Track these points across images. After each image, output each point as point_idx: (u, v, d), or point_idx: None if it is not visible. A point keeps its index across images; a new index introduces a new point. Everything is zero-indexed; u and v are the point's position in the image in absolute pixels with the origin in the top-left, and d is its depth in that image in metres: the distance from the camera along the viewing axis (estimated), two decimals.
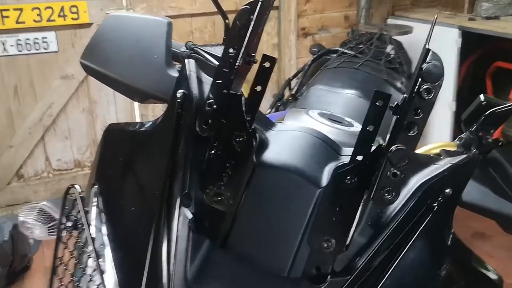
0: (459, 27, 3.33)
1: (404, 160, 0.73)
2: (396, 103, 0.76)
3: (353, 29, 3.58)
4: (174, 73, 1.00)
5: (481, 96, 1.12)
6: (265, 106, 3.21)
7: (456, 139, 1.16)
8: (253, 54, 0.80)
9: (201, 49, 1.08)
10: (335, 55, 2.30)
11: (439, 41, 3.40)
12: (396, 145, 0.73)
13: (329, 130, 1.31)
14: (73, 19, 3.03)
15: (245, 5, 0.76)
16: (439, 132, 3.39)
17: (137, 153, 0.88)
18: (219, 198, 0.78)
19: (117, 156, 0.89)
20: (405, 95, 0.74)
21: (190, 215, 0.78)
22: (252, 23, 0.76)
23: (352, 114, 1.86)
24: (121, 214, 0.87)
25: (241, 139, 0.77)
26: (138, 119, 3.22)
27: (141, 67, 1.04)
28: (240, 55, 0.77)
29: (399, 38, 2.75)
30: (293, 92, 2.15)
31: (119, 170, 0.88)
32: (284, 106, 2.18)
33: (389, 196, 0.74)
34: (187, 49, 1.10)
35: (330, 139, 0.86)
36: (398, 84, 2.14)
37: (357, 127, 1.40)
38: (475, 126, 1.11)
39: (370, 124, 0.76)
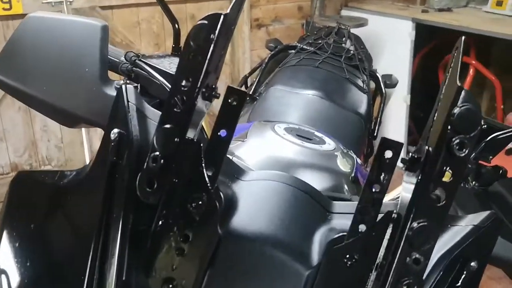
0: (413, 19, 3.15)
1: (429, 241, 0.50)
2: (411, 155, 0.52)
3: (308, 20, 3.34)
4: (112, 91, 0.74)
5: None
6: (218, 103, 2.96)
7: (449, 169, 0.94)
8: (214, 86, 0.54)
9: (145, 62, 0.82)
10: (293, 51, 2.07)
11: (393, 33, 3.24)
12: (418, 221, 0.50)
13: (298, 150, 1.08)
14: (4, 9, 2.62)
15: (201, 20, 0.51)
16: (394, 127, 3.21)
17: (54, 217, 0.61)
18: (171, 285, 0.53)
19: (28, 219, 0.62)
20: (427, 147, 0.50)
21: None
22: (213, 44, 0.51)
23: (314, 117, 1.65)
24: None
25: (200, 202, 0.52)
26: None
27: (68, 83, 0.79)
28: (197, 90, 0.51)
29: (354, 30, 2.56)
30: (251, 91, 1.90)
31: (28, 241, 0.61)
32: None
33: None
34: (127, 61, 0.83)
35: (316, 190, 0.62)
36: (360, 83, 1.95)
37: (329, 144, 1.17)
38: (473, 154, 0.90)
39: (376, 183, 0.52)
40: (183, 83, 0.51)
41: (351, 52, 2.13)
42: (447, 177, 0.51)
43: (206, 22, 0.51)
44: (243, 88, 2.13)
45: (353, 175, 1.12)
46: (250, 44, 3.29)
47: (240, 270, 0.55)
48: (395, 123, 3.23)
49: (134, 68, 0.81)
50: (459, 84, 0.48)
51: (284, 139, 1.09)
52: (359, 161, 1.28)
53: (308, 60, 1.96)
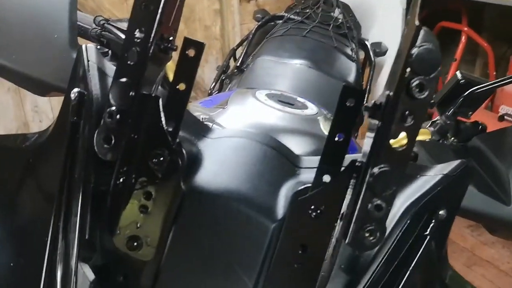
0: None
1: (390, 187, 0.49)
2: (373, 102, 0.51)
3: None
4: None
5: (458, 74, 0.89)
6: (209, 79, 2.95)
7: (429, 125, 0.93)
8: (170, 38, 0.53)
9: (114, 26, 0.80)
10: (280, 21, 2.05)
11: (384, 1, 3.20)
12: (379, 166, 0.48)
13: (280, 116, 1.06)
14: None
15: None
16: None
17: (16, 180, 0.60)
18: (136, 243, 0.53)
19: None
20: (387, 92, 0.49)
21: (91, 275, 0.51)
22: None
23: (302, 87, 1.65)
24: None
25: (162, 158, 0.51)
26: None
27: (37, 50, 0.77)
28: (151, 40, 0.50)
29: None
30: (238, 63, 1.89)
31: None
32: (230, 79, 1.94)
33: (372, 238, 0.50)
34: (96, 25, 0.82)
35: (285, 146, 0.61)
36: (349, 51, 1.93)
37: (312, 109, 1.16)
38: (451, 110, 0.89)
39: (339, 132, 0.51)
40: (137, 34, 0.50)
41: (340, 20, 2.11)
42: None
43: None
44: (231, 61, 2.11)
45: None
46: (240, 18, 3.25)
47: (205, 226, 0.54)
48: None
49: (103, 32, 0.80)
50: (417, 23, 0.46)
51: (265, 105, 1.07)
52: None
53: (296, 29, 1.94)
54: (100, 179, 0.53)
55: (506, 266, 2.43)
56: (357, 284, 0.54)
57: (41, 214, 0.55)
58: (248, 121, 1.02)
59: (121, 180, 0.52)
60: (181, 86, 0.52)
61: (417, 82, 0.46)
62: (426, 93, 0.46)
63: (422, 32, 0.46)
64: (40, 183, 0.58)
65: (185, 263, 0.55)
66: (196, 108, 1.12)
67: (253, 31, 2.05)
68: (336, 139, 0.51)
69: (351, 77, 1.82)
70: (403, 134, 0.50)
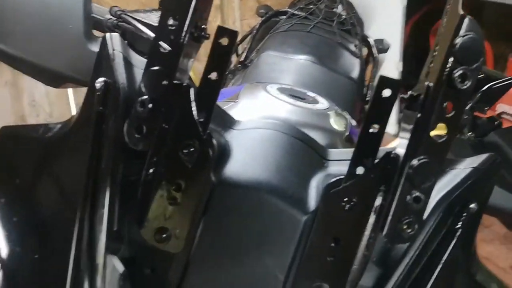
0: None
1: (430, 179, 0.48)
2: (410, 93, 0.50)
3: None
4: (97, 48, 0.72)
5: None
6: None
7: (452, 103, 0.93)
8: (203, 27, 0.52)
9: (131, 17, 0.79)
10: (284, 17, 2.04)
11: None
12: (418, 158, 0.48)
13: (292, 110, 1.06)
14: None
15: None
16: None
17: (40, 172, 0.59)
18: (164, 235, 0.51)
19: (12, 174, 0.59)
20: (427, 83, 0.48)
21: (121, 267, 0.50)
22: None
23: (307, 82, 1.64)
24: (21, 263, 0.58)
25: (192, 149, 0.50)
26: (72, 93, 2.82)
27: (52, 41, 0.76)
28: (185, 29, 0.49)
29: None
30: (242, 58, 1.87)
31: (14, 197, 0.58)
32: (233, 75, 1.92)
33: (410, 231, 0.49)
34: (112, 16, 0.81)
35: (311, 138, 0.60)
36: (352, 47, 1.92)
37: (322, 103, 1.15)
38: (469, 104, 0.88)
39: (374, 123, 0.50)
40: (170, 21, 0.49)
41: (343, 16, 2.10)
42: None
43: None
44: (233, 57, 2.10)
45: (347, 134, 1.10)
46: (240, 14, 3.24)
47: (235, 218, 0.53)
48: None
49: (119, 23, 0.78)
50: (461, 12, 0.45)
51: (277, 99, 1.06)
52: (353, 122, 1.26)
53: (300, 25, 1.93)
54: (129, 170, 0.52)
55: (504, 263, 2.43)
56: (389, 277, 0.54)
57: (67, 205, 0.54)
58: (261, 114, 1.01)
59: (150, 170, 0.51)
60: (213, 76, 0.51)
61: (460, 72, 0.45)
62: (469, 83, 0.46)
63: (466, 21, 0.45)
64: (65, 174, 0.57)
65: (214, 256, 0.54)
66: None
67: (257, 27, 2.04)
68: (371, 130, 0.50)
69: (355, 73, 1.81)
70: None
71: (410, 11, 3.20)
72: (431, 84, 0.47)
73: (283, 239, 0.53)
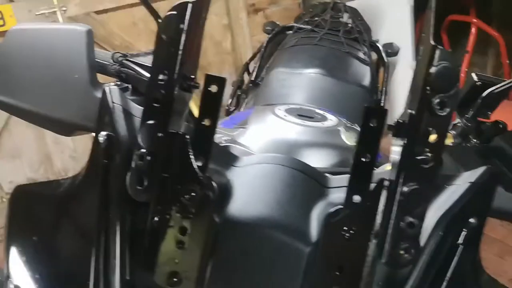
0: None
1: (421, 204, 0.49)
2: (396, 121, 0.52)
3: None
4: None
5: (474, 76, 0.89)
6: (225, 95, 2.95)
7: (450, 128, 0.93)
8: (191, 77, 0.54)
9: (131, 61, 0.82)
10: (291, 31, 2.06)
11: (391, 1, 3.19)
12: (409, 184, 0.49)
13: (301, 130, 1.07)
14: None
15: (169, 11, 0.50)
16: (404, 96, 3.17)
17: (56, 227, 0.62)
18: (176, 279, 0.54)
19: (30, 232, 0.63)
20: (409, 111, 0.49)
21: None
22: (184, 34, 0.50)
23: (319, 96, 1.64)
24: None
25: (193, 194, 0.52)
26: None
27: (59, 92, 0.78)
28: (174, 82, 0.51)
29: (350, 3, 2.52)
30: (253, 77, 1.90)
31: (34, 253, 0.62)
32: (246, 94, 1.94)
33: (408, 255, 0.50)
34: (114, 62, 0.83)
35: (312, 168, 0.62)
36: (361, 55, 1.93)
37: (331, 120, 1.16)
38: (472, 112, 0.89)
39: (366, 153, 0.52)
40: (160, 76, 0.51)
41: (349, 25, 2.10)
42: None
43: (175, 12, 0.50)
44: (245, 75, 2.12)
45: None
46: (249, 31, 3.27)
47: (241, 256, 0.55)
48: (404, 92, 3.18)
49: (122, 68, 0.81)
50: (432, 43, 0.47)
51: (285, 121, 1.08)
52: None
53: (306, 38, 1.94)
54: (135, 219, 0.54)
55: None
56: None
57: (81, 257, 0.56)
58: (271, 139, 1.03)
59: (155, 218, 0.53)
60: (207, 122, 0.53)
61: (438, 100, 0.47)
62: (448, 109, 0.47)
63: (437, 52, 0.47)
64: (78, 227, 0.59)
65: None
66: (217, 129, 1.13)
67: (264, 44, 2.06)
68: (363, 159, 0.52)
69: (366, 81, 1.81)
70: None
71: (418, 10, 3.18)
72: (413, 112, 0.48)
73: (290, 272, 0.55)
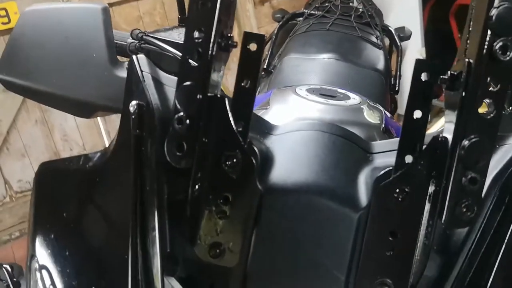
0: None
1: (484, 157, 0.46)
2: (449, 72, 0.48)
3: None
4: (123, 73, 0.72)
5: None
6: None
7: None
8: (229, 35, 0.51)
9: (152, 37, 0.79)
10: (301, 18, 2.03)
11: None
12: (469, 138, 0.46)
13: (325, 109, 1.04)
14: (3, 23, 2.57)
15: None
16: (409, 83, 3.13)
17: (85, 203, 0.59)
18: (218, 250, 0.51)
19: (58, 209, 0.59)
20: (468, 60, 0.46)
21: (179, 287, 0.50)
22: None
23: (333, 80, 1.62)
24: None
25: (235, 160, 0.49)
26: (102, 123, 2.84)
27: (78, 72, 0.76)
28: (212, 39, 0.48)
29: None
30: (265, 65, 1.87)
31: (63, 231, 0.58)
32: (258, 83, 1.91)
33: (470, 213, 0.47)
34: (134, 39, 0.81)
35: (353, 133, 0.59)
36: (374, 39, 1.90)
37: (354, 99, 1.13)
38: None
39: (417, 109, 0.49)
40: (196, 35, 0.48)
41: (360, 10, 2.07)
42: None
43: None
44: None
45: (383, 126, 1.08)
46: (257, 22, 3.24)
47: (287, 225, 0.52)
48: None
49: (142, 45, 0.78)
50: None
51: (308, 100, 1.05)
52: (387, 113, 1.24)
53: (318, 24, 1.91)
54: (174, 189, 0.52)
55: None
56: (453, 265, 0.52)
57: (118, 233, 0.53)
58: (295, 118, 1.00)
59: (196, 187, 0.50)
60: (246, 83, 0.50)
61: (500, 44, 0.44)
62: (511, 53, 0.44)
63: None
64: (110, 202, 0.56)
65: (271, 265, 0.53)
66: None
67: (275, 32, 2.03)
68: (415, 116, 0.49)
69: (380, 65, 1.79)
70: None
71: None
72: (472, 60, 0.45)
73: (339, 240, 0.52)
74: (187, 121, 0.48)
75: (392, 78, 1.88)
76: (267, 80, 1.79)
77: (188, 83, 0.48)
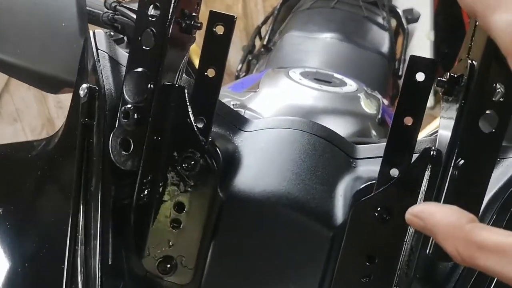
0: None
1: (481, 181, 0.38)
2: (449, 74, 0.40)
3: None
4: None
5: None
6: (235, 61, 2.85)
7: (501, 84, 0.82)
8: (193, 14, 0.43)
9: (127, 8, 0.70)
10: None
11: None
12: (466, 155, 0.38)
13: (318, 95, 0.96)
14: None
15: None
16: None
17: (25, 196, 0.51)
18: (168, 265, 0.44)
19: (6, 192, 0.51)
20: (470, 61, 0.38)
21: None
22: None
23: (335, 62, 1.55)
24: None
25: (193, 162, 0.42)
26: None
27: (45, 43, 0.68)
28: (169, 17, 0.40)
29: None
30: (265, 42, 1.79)
31: (3, 219, 0.50)
32: (257, 59, 1.84)
33: None
34: (107, 9, 0.72)
35: (336, 134, 0.51)
36: (380, 20, 1.82)
37: (351, 85, 1.05)
38: None
39: (407, 115, 0.41)
40: (151, 11, 0.40)
41: None
42: None
43: None
44: (256, 40, 2.01)
45: (379, 116, 1.00)
46: None
47: (250, 240, 0.45)
48: None
49: (116, 16, 0.70)
50: None
51: (300, 85, 0.97)
52: (385, 101, 1.16)
53: (323, 1, 1.83)
54: (121, 192, 0.44)
55: None
56: None
57: (56, 237, 0.46)
58: (284, 104, 0.93)
59: (145, 192, 0.43)
60: (210, 72, 0.42)
61: None
62: None
63: None
64: (51, 199, 0.49)
65: (229, 285, 0.45)
66: (225, 93, 1.03)
67: (277, 7, 1.94)
68: (405, 123, 0.41)
69: (385, 47, 1.72)
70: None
71: None
72: (476, 62, 0.37)
73: (308, 261, 0.44)
74: (135, 115, 0.41)
75: (397, 62, 1.81)
76: (266, 57, 1.71)
77: (138, 69, 0.41)
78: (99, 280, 0.42)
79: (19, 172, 0.51)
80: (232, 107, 0.94)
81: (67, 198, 0.44)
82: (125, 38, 0.73)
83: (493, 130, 0.38)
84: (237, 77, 1.88)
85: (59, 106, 2.77)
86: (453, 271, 0.45)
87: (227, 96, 1.01)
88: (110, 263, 0.43)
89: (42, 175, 0.49)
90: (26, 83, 0.76)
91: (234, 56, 3.04)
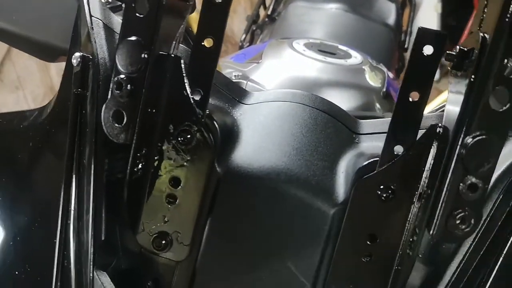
0: None
1: (489, 160, 0.36)
2: (459, 48, 0.38)
3: None
4: None
5: None
6: (239, 31, 2.80)
7: None
8: None
9: None
10: None
11: None
12: (474, 134, 0.36)
13: (321, 67, 0.94)
14: None
15: None
16: None
17: (13, 170, 0.49)
18: (164, 241, 0.42)
19: None
20: (482, 34, 0.36)
21: (111, 287, 0.41)
22: None
23: (340, 33, 1.52)
24: None
25: (189, 136, 0.40)
26: None
27: (40, 9, 0.67)
28: None
29: None
30: (269, 12, 1.76)
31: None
32: (261, 29, 1.81)
33: (465, 227, 0.38)
34: None
35: (339, 109, 0.49)
36: None
37: (356, 58, 1.02)
38: None
39: (414, 90, 0.39)
40: None
41: None
42: None
43: None
44: (261, 10, 1.97)
45: (384, 90, 0.98)
46: None
47: (247, 216, 0.43)
48: None
49: None
50: None
51: (304, 56, 0.95)
52: (390, 75, 1.14)
53: None
54: (115, 166, 0.43)
55: None
56: (441, 277, 0.43)
57: (48, 211, 0.44)
58: (287, 75, 0.90)
59: (139, 166, 0.41)
60: (208, 42, 0.40)
61: None
62: None
63: None
64: (43, 172, 0.47)
65: (226, 262, 0.44)
66: (227, 64, 1.01)
67: None
68: (411, 99, 0.39)
69: (391, 19, 1.69)
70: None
71: None
72: (487, 35, 0.35)
73: (308, 238, 0.43)
74: (128, 86, 0.39)
75: (403, 34, 1.78)
76: (271, 27, 1.69)
77: (132, 38, 0.39)
78: (92, 255, 0.41)
79: (10, 143, 0.49)
80: (234, 78, 0.92)
81: (59, 171, 0.43)
82: (123, 5, 0.71)
83: (505, 108, 0.36)
84: (241, 47, 1.85)
85: (61, 74, 2.74)
86: (456, 252, 0.43)
87: (230, 67, 0.98)
88: (103, 238, 0.42)
89: (34, 147, 0.47)
90: (23, 50, 0.74)
91: (238, 26, 2.99)
